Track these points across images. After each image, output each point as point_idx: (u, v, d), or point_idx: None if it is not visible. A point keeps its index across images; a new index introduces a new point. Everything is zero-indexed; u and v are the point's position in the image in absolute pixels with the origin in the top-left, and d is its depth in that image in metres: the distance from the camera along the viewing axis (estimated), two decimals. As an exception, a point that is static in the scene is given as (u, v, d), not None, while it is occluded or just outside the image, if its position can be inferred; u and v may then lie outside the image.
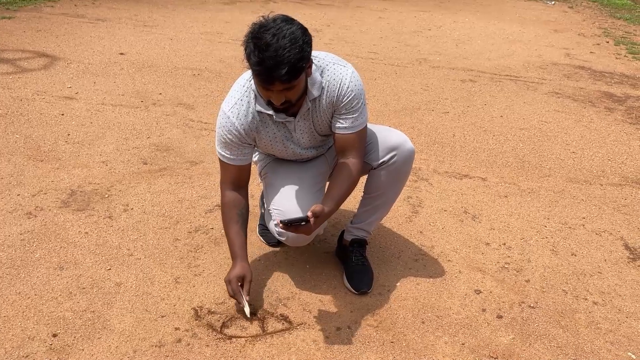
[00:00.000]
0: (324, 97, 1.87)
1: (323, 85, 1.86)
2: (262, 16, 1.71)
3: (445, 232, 2.54)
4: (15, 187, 2.60)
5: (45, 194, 2.56)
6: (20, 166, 2.78)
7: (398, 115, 3.92)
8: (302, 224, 1.74)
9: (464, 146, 3.48)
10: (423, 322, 1.99)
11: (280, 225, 1.74)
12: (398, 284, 2.18)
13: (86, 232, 2.32)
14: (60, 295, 1.96)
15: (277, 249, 2.32)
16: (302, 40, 1.64)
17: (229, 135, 1.87)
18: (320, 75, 1.87)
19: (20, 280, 2.02)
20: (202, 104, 3.81)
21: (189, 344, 1.81)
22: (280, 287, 2.11)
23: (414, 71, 5.01)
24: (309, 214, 1.73)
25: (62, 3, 6.42)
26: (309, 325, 1.93)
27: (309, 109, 1.88)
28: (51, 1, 6.40)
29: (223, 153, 1.92)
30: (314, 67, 1.84)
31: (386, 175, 2.03)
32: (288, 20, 1.68)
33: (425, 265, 2.31)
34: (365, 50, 5.57)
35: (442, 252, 2.39)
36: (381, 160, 2.01)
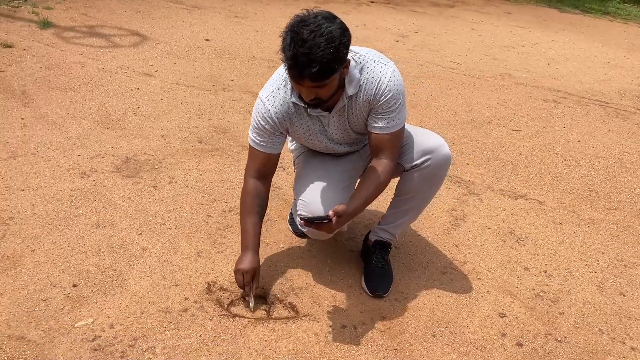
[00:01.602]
0: (361, 95, 1.83)
1: (361, 82, 1.82)
2: (306, 10, 1.69)
3: (483, 250, 2.41)
4: (78, 148, 2.79)
5: (103, 157, 2.73)
6: (88, 130, 2.98)
7: (465, 127, 3.78)
8: (324, 222, 1.73)
9: (528, 166, 3.29)
10: (434, 336, 1.90)
11: (302, 222, 1.74)
12: (418, 293, 2.10)
13: (129, 197, 2.44)
14: (89, 250, 2.08)
15: (304, 239, 2.32)
16: (338, 41, 1.60)
17: (262, 122, 1.88)
18: (360, 72, 1.83)
19: (59, 231, 2.16)
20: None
21: (193, 315, 1.85)
22: (296, 276, 2.10)
23: (494, 85, 4.80)
24: (331, 213, 1.71)
25: (166, -11, 6.81)
26: (314, 317, 1.91)
27: (344, 105, 1.86)
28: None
29: (254, 139, 1.92)
30: (353, 63, 1.81)
31: (418, 179, 1.96)
32: (329, 18, 1.64)
33: (452, 279, 2.20)
34: (448, 59, 5.42)
35: (473, 269, 2.28)
36: (414, 163, 1.94)
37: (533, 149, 3.56)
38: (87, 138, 2.90)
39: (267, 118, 1.87)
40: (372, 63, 1.86)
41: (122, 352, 1.67)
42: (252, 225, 1.94)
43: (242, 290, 1.92)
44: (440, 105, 4.12)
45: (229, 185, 2.63)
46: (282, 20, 6.07)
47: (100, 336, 1.72)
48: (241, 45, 4.89)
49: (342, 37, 1.61)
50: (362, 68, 1.84)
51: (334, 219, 1.73)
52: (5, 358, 1.60)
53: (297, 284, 2.06)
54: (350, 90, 1.81)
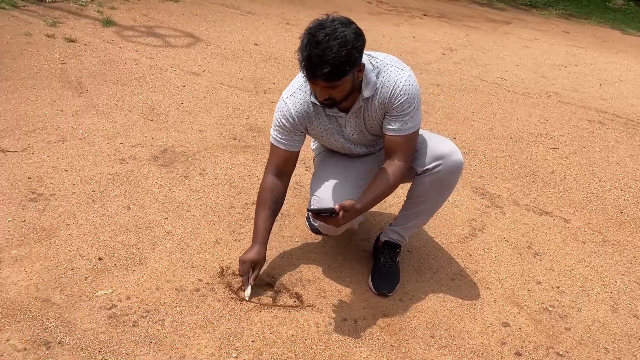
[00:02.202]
0: (377, 98, 1.91)
1: (377, 86, 1.91)
2: (326, 14, 1.79)
3: (496, 261, 2.43)
4: (121, 136, 2.99)
5: (142, 147, 2.92)
6: (132, 121, 3.19)
7: (499, 141, 3.77)
8: (332, 215, 1.82)
9: (560, 184, 3.25)
10: (432, 337, 1.94)
11: (311, 214, 1.84)
12: (423, 296, 2.15)
13: (160, 184, 2.60)
14: (118, 229, 2.25)
15: (319, 236, 2.40)
16: (351, 45, 1.69)
17: (283, 120, 1.99)
18: (377, 76, 1.91)
19: (93, 210, 2.34)
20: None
21: (204, 295, 1.97)
22: (306, 269, 2.19)
23: (538, 103, 4.74)
24: (337, 206, 1.80)
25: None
26: (318, 308, 1.99)
27: (360, 107, 1.94)
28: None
29: (275, 136, 2.03)
30: (370, 67, 1.90)
31: (429, 183, 2.02)
32: (345, 23, 1.74)
33: (460, 286, 2.24)
34: (494, 75, 5.39)
35: (483, 279, 2.30)
36: (426, 167, 2.00)
37: (568, 167, 3.51)
38: (130, 128, 3.10)
39: (288, 116, 1.98)
40: (388, 67, 1.93)
41: (134, 321, 1.81)
42: (263, 219, 2.04)
43: (242, 278, 2.02)
44: (478, 119, 4.12)
45: (255, 180, 2.76)
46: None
47: (116, 305, 1.86)
48: (288, 51, 5.05)
49: (355, 42, 1.70)
50: (379, 72, 1.92)
51: (341, 213, 1.81)
52: (31, 316, 1.77)
53: (306, 276, 2.15)
54: (366, 93, 1.89)
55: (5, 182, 2.43)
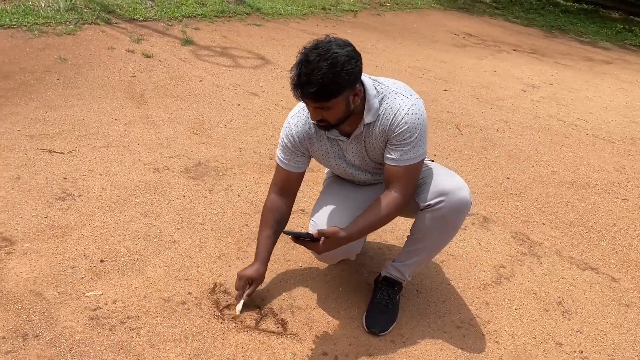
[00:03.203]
0: (378, 125, 1.84)
1: (380, 112, 1.83)
2: (327, 35, 1.76)
3: (515, 313, 2.21)
4: (163, 147, 3.11)
5: (179, 158, 3.01)
6: (178, 134, 3.31)
7: (559, 186, 3.47)
8: (312, 241, 1.75)
9: (618, 239, 2.92)
10: (416, 387, 1.79)
11: (290, 237, 1.78)
12: (419, 341, 1.99)
13: (183, 196, 2.66)
14: (129, 234, 2.31)
15: (325, 264, 2.32)
16: (340, 67, 1.64)
17: (285, 140, 1.96)
18: (380, 102, 1.84)
19: (112, 214, 2.44)
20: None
21: (188, 309, 1.96)
22: (300, 296, 2.12)
23: (619, 149, 4.33)
24: (315, 232, 1.74)
25: (309, 21, 7.26)
26: (300, 338, 1.91)
27: (361, 132, 1.87)
28: (300, 18, 7.29)
29: (279, 156, 2.01)
30: (373, 92, 1.83)
31: (430, 220, 1.88)
32: (341, 44, 1.69)
33: (465, 336, 2.05)
34: (574, 116, 5.02)
35: (494, 331, 2.09)
36: (427, 203, 1.87)
37: (634, 222, 3.15)
38: (174, 140, 3.22)
39: (290, 137, 1.95)
40: (393, 94, 1.85)
41: (112, 326, 1.84)
42: (265, 238, 2.01)
43: (236, 293, 1.99)
44: (541, 160, 3.84)
45: (278, 201, 2.73)
46: (407, 57, 6.14)
47: (101, 308, 1.90)
48: (355, 78, 5.03)
49: (346, 64, 1.64)
50: (382, 98, 1.85)
51: (322, 239, 1.74)
52: (20, 307, 1.85)
53: (298, 303, 2.08)
54: (367, 118, 1.82)
55: (42, 180, 2.59)
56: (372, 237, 2.56)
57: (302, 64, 1.66)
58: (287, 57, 5.32)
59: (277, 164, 2.03)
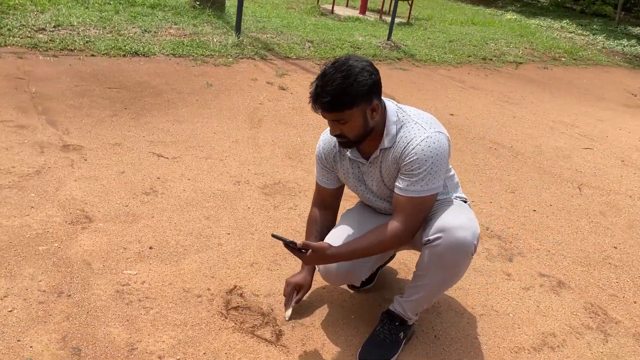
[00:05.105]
0: (392, 151, 1.84)
1: (396, 139, 1.83)
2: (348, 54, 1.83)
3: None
4: (253, 165, 3.38)
5: (262, 175, 3.24)
6: (274, 155, 3.56)
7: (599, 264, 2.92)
8: (300, 250, 1.81)
9: None
10: None
11: (283, 243, 1.84)
12: (411, 384, 1.87)
13: (248, 207, 2.86)
14: (184, 231, 2.57)
15: (351, 291, 2.30)
16: (354, 78, 1.70)
17: (317, 157, 2.07)
18: (399, 130, 1.84)
19: (180, 212, 2.72)
20: (458, 171, 3.81)
21: (200, 302, 2.12)
22: (308, 313, 2.14)
23: None
24: (299, 242, 1.79)
25: (461, 69, 7.17)
26: (287, 351, 1.94)
27: (377, 157, 1.88)
28: (453, 66, 7.23)
29: (316, 171, 2.12)
30: (394, 119, 1.84)
31: (429, 256, 1.80)
32: (359, 59, 1.76)
33: (467, 393, 1.86)
34: None
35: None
36: (427, 238, 1.80)
37: None
38: (267, 160, 3.47)
39: (318, 154, 2.05)
40: (411, 124, 1.84)
41: (130, 301, 2.07)
42: None
43: (284, 299, 2.09)
44: (600, 228, 3.28)
45: (334, 226, 2.78)
46: (555, 114, 5.70)
47: (129, 285, 2.15)
48: (482, 127, 4.86)
49: (359, 75, 1.70)
50: (401, 126, 1.85)
51: (309, 252, 1.78)
52: (69, 271, 2.18)
53: (303, 319, 2.10)
54: (385, 143, 1.83)
55: (140, 177, 3.01)
56: (405, 273, 2.47)
57: (319, 78, 1.74)
58: (418, 100, 5.35)
59: (316, 178, 2.12)
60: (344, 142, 1.85)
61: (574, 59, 9.27)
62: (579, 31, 12.14)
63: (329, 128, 1.99)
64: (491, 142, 4.50)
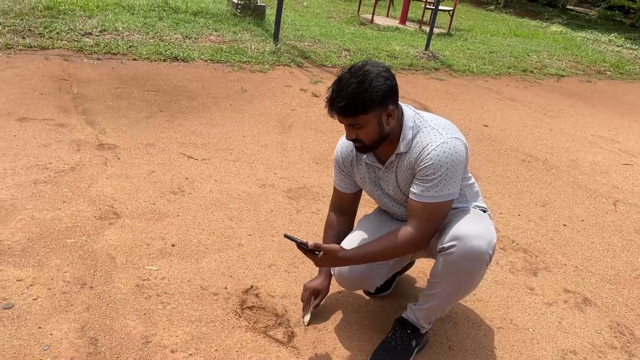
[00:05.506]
0: (407, 157, 1.84)
1: (412, 144, 1.83)
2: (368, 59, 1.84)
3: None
4: (280, 169, 3.41)
5: (288, 180, 3.27)
6: (301, 160, 3.59)
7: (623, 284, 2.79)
8: (313, 251, 1.82)
9: None
10: None
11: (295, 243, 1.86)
12: (420, 393, 1.85)
13: (272, 210, 2.90)
14: (207, 230, 2.62)
15: (367, 297, 2.30)
16: (369, 83, 1.71)
17: (335, 161, 2.09)
18: (415, 135, 1.83)
19: (204, 212, 2.78)
20: (487, 183, 3.75)
21: (216, 300, 2.15)
22: (323, 317, 2.14)
23: None
24: (311, 243, 1.80)
25: (499, 80, 7.05)
26: (298, 353, 1.95)
27: (393, 161, 1.89)
28: (491, 77, 7.12)
29: (334, 176, 2.13)
30: (411, 124, 1.84)
31: (442, 264, 1.78)
32: (376, 65, 1.76)
33: (478, 405, 1.83)
34: None
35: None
36: (441, 246, 1.78)
37: None
38: (294, 165, 3.51)
39: (336, 158, 2.06)
40: (428, 129, 1.83)
41: (148, 295, 2.12)
42: None
43: (302, 304, 2.12)
44: (620, 249, 3.13)
45: (355, 232, 2.78)
46: (595, 127, 5.53)
47: (149, 280, 2.21)
48: (516, 139, 4.77)
49: (375, 80, 1.70)
50: (418, 131, 1.84)
51: (321, 254, 1.79)
52: (93, 264, 2.26)
53: (316, 322, 2.11)
54: (400, 147, 1.84)
55: (169, 176, 3.09)
56: (423, 282, 2.43)
57: (335, 83, 1.76)
58: (452, 110, 5.30)
59: (334, 183, 2.14)
60: (360, 146, 1.85)
61: (620, 73, 8.98)
62: (628, 45, 11.77)
63: (343, 136, 2.02)
64: (525, 154, 4.41)
